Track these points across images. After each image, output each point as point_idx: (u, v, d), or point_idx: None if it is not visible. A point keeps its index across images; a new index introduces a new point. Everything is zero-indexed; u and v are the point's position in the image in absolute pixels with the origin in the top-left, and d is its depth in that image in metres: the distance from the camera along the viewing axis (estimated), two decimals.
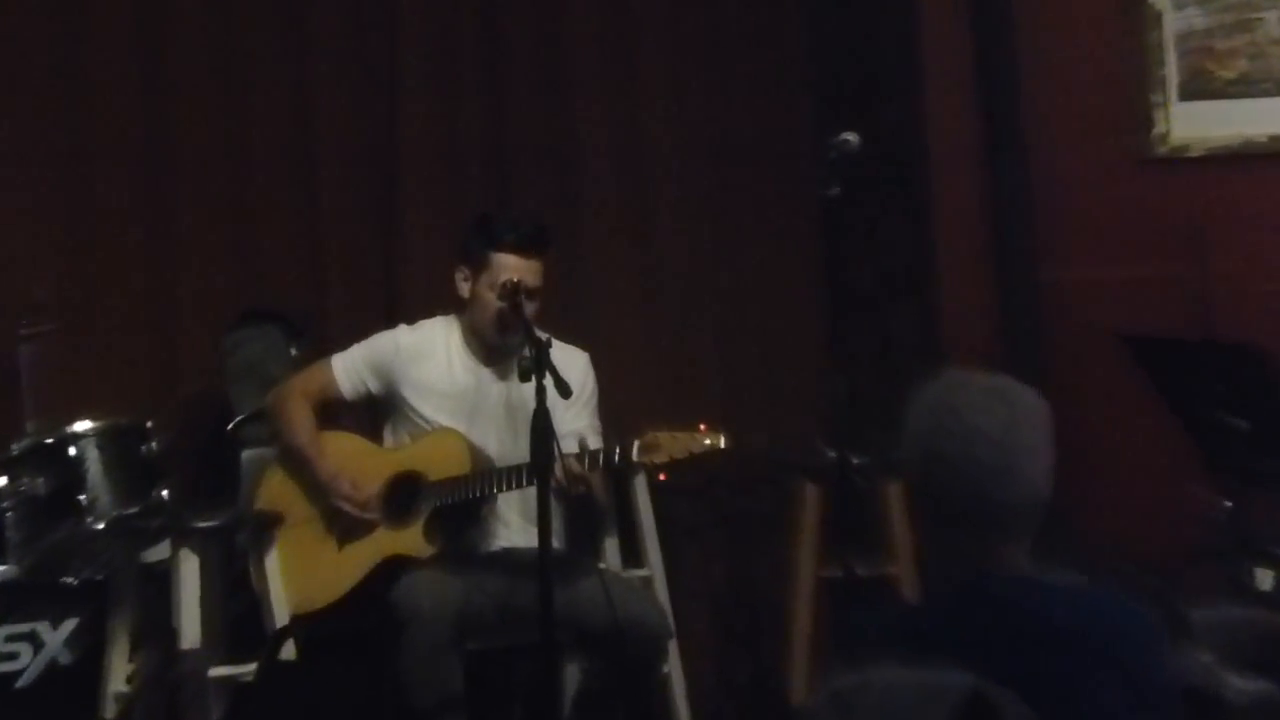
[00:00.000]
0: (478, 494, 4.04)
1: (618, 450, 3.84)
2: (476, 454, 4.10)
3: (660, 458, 3.78)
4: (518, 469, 3.95)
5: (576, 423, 4.13)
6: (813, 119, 5.31)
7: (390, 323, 4.44)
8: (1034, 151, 5.06)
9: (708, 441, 3.77)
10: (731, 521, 5.28)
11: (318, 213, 5.21)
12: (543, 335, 3.82)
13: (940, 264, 5.17)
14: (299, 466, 4.26)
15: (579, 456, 3.82)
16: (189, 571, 4.15)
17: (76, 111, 5.09)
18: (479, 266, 4.19)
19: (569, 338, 4.27)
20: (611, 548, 4.51)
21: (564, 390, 3.66)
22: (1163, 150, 5.00)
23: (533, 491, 3.66)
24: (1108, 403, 4.79)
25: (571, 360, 4.16)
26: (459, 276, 4.24)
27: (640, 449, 3.79)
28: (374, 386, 4.29)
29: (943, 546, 2.30)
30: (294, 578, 4.23)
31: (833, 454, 4.43)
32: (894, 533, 4.65)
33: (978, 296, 5.08)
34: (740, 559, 5.28)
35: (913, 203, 5.21)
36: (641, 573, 4.55)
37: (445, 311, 4.35)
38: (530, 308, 4.07)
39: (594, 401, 4.28)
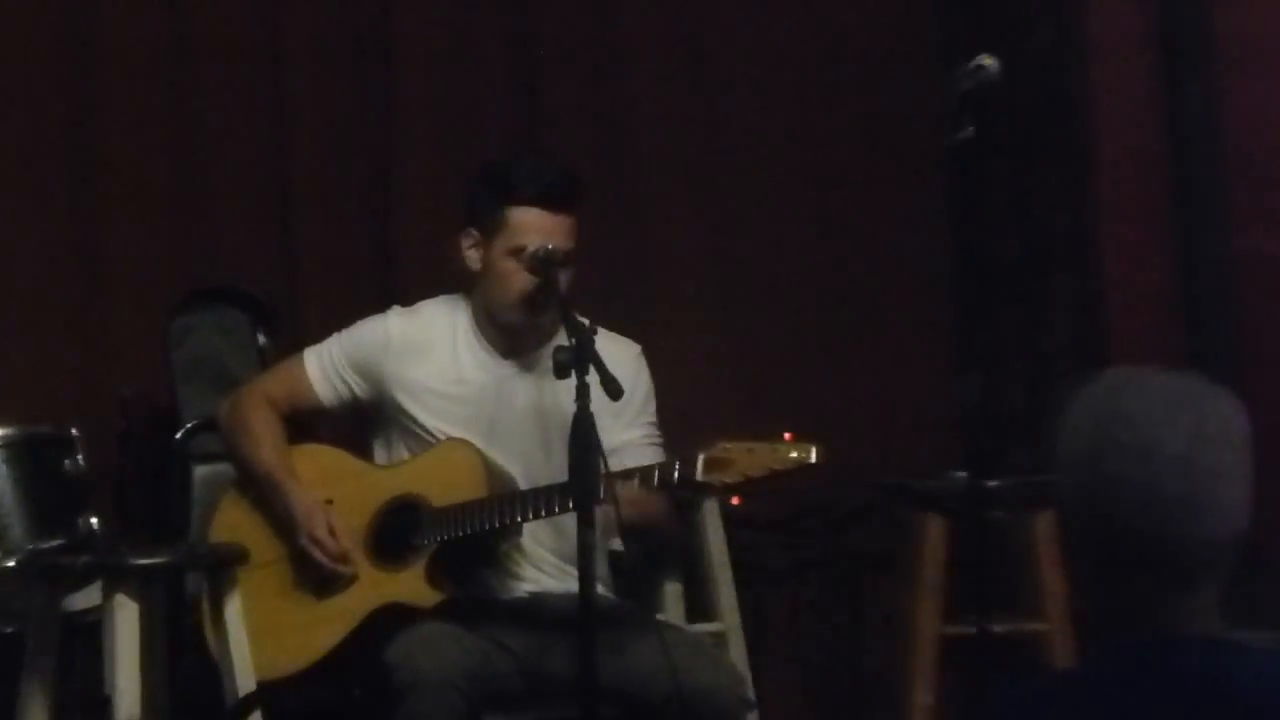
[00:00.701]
0: (497, 524, 4.03)
1: (677, 467, 3.80)
2: (495, 472, 4.09)
3: (732, 476, 3.74)
4: (549, 491, 3.94)
5: (629, 432, 4.12)
6: (937, 42, 5.30)
7: (385, 305, 4.43)
8: (1227, 83, 5.03)
9: (794, 455, 3.72)
10: (828, 564, 5.28)
11: (289, 168, 5.26)
12: (584, 321, 3.81)
13: (1104, 231, 5.15)
14: (264, 493, 4.27)
15: (629, 474, 3.81)
16: (125, 623, 4.16)
17: None
18: (493, 228, 4.16)
19: (620, 330, 4.26)
20: (673, 595, 4.52)
21: (613, 390, 3.65)
22: None
23: (570, 521, 3.66)
24: None
25: (619, 354, 4.14)
26: (466, 243, 4.22)
27: (706, 465, 3.74)
28: (359, 389, 4.29)
29: (1106, 597, 2.28)
30: (262, 633, 4.24)
31: (962, 477, 4.42)
32: (1041, 579, 4.65)
33: (1153, 273, 5.07)
34: (840, 612, 5.28)
35: (1069, 150, 5.19)
36: (712, 628, 4.58)
37: (452, 291, 4.34)
38: (563, 278, 4.06)
39: (651, 406, 4.26)
